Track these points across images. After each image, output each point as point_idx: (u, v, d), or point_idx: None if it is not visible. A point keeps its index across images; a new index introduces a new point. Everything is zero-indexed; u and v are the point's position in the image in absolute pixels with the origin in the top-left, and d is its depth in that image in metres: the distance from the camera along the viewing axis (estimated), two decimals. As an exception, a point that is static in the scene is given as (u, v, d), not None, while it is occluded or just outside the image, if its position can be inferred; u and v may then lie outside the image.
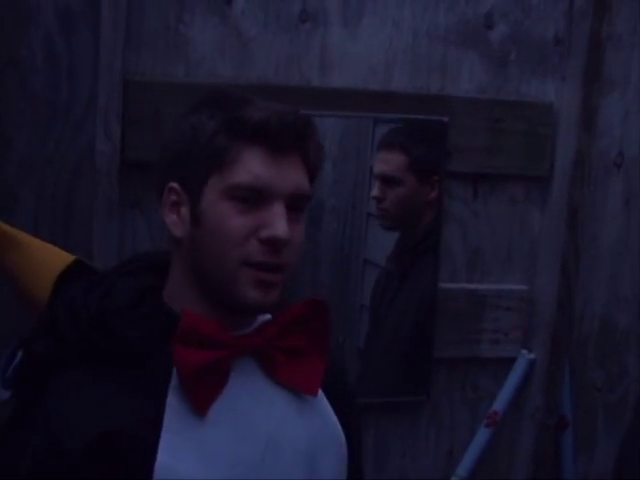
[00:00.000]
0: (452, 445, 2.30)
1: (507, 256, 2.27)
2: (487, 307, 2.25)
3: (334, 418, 1.37)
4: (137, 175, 1.98)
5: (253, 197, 1.22)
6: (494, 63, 2.19)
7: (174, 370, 1.23)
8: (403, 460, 2.27)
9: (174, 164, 1.28)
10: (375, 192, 2.18)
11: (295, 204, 1.26)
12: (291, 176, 1.25)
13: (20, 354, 1.33)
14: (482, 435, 2.26)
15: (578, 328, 2.33)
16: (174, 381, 1.23)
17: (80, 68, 1.94)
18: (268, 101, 1.29)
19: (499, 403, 2.26)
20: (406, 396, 2.25)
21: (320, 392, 1.35)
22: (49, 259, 1.45)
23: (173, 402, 1.23)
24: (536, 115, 2.21)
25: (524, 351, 2.28)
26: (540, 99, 2.22)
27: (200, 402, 1.23)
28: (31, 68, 1.92)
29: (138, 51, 1.97)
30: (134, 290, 1.30)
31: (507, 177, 2.23)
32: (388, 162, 2.20)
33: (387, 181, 2.18)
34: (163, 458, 1.20)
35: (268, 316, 1.33)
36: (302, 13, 2.05)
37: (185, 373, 1.22)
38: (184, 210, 1.27)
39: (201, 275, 1.26)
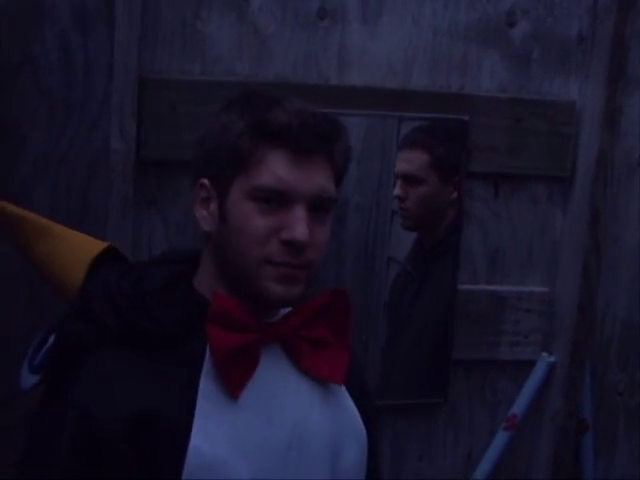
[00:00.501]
0: (470, 448, 2.27)
1: (528, 257, 2.23)
2: (507, 309, 2.22)
3: (356, 411, 1.40)
4: (153, 173, 1.97)
5: (275, 199, 1.25)
6: (515, 61, 2.15)
7: (207, 354, 1.26)
8: (420, 463, 2.25)
9: (205, 161, 1.32)
10: (397, 191, 2.15)
11: (319, 206, 1.29)
12: (315, 179, 1.27)
13: (52, 339, 1.35)
14: (501, 438, 2.23)
15: (600, 331, 2.30)
16: (207, 365, 1.26)
17: (95, 66, 1.92)
18: (300, 102, 1.31)
19: (518, 406, 2.23)
20: (424, 398, 2.23)
21: (343, 387, 1.38)
22: (82, 246, 1.48)
23: (206, 385, 1.25)
24: (558, 114, 2.17)
25: (544, 354, 2.24)
26: (562, 98, 2.18)
27: (233, 385, 1.26)
28: (46, 66, 1.90)
29: (154, 48, 1.95)
30: (167, 275, 1.33)
31: (528, 177, 2.19)
32: (410, 161, 2.16)
33: (409, 180, 2.15)
34: (196, 441, 1.22)
35: (290, 308, 1.35)
36: (320, 10, 2.02)
37: (218, 354, 1.25)
38: (213, 206, 1.30)
39: (226, 268, 1.30)
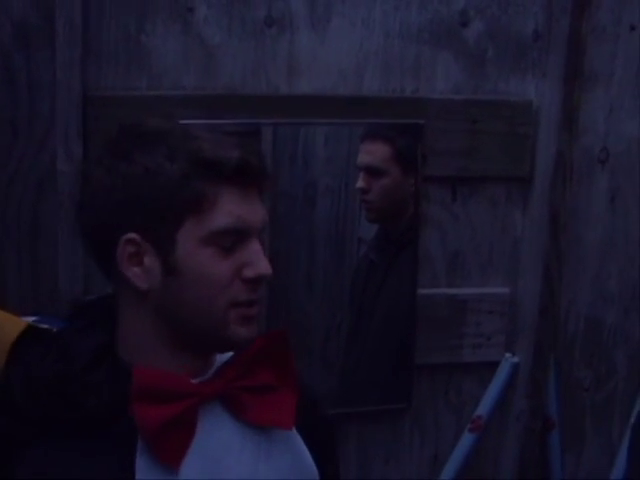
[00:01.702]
0: (437, 450, 2.27)
1: (488, 259, 2.21)
2: (468, 311, 2.20)
3: (307, 456, 1.33)
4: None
5: (234, 238, 1.19)
6: (470, 62, 2.11)
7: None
8: (386, 467, 2.24)
9: (124, 213, 1.19)
10: (360, 183, 2.13)
11: (260, 236, 1.24)
12: (259, 210, 1.23)
13: None
14: (466, 440, 2.23)
15: (564, 329, 2.28)
16: (141, 441, 1.19)
17: (39, 84, 1.89)
18: (203, 131, 1.24)
19: (483, 408, 2.22)
20: (388, 404, 2.22)
21: (293, 430, 1.31)
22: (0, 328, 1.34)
23: (142, 464, 1.19)
24: (515, 114, 2.14)
25: (507, 355, 2.23)
26: (519, 98, 2.14)
27: (170, 459, 1.20)
28: (-11, 86, 1.87)
29: (98, 65, 1.92)
30: (89, 351, 1.22)
31: (487, 179, 2.16)
32: (372, 153, 2.14)
33: (371, 172, 2.13)
34: None
35: (228, 355, 1.28)
36: (267, 18, 1.98)
37: (149, 432, 1.17)
38: (149, 260, 1.19)
39: (177, 323, 1.21)
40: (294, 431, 1.32)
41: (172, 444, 1.20)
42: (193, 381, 1.24)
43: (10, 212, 1.91)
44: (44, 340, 1.28)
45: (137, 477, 1.18)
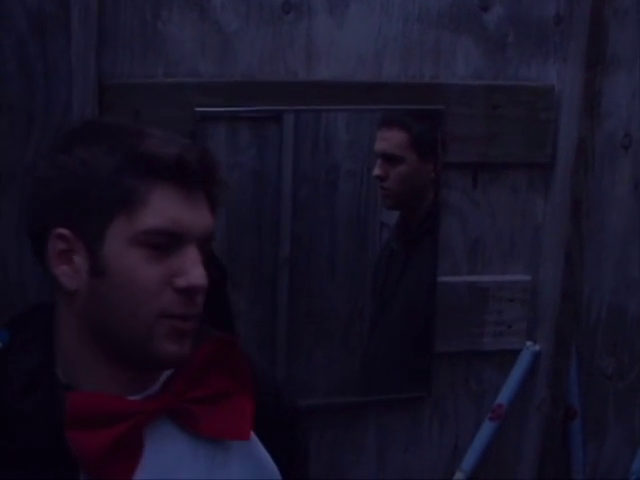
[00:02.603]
0: (457, 439, 2.25)
1: (509, 246, 2.18)
2: (489, 299, 2.17)
3: (268, 461, 1.27)
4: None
5: (166, 242, 1.11)
6: (491, 47, 2.07)
7: None
8: (406, 455, 2.23)
9: (59, 207, 1.13)
10: (377, 171, 2.10)
11: (203, 245, 1.15)
12: (202, 216, 1.14)
13: None
14: (486, 429, 2.21)
15: (586, 317, 2.25)
16: (83, 472, 1.11)
17: (55, 73, 1.86)
18: (160, 130, 1.17)
19: (504, 396, 2.20)
20: (406, 393, 2.20)
21: (253, 435, 1.24)
22: None
23: None
24: (537, 100, 2.10)
25: (529, 343, 2.21)
26: (541, 83, 2.11)
27: None
28: (4, 74, 1.85)
29: (114, 52, 1.89)
30: (24, 374, 1.14)
31: (508, 165, 2.13)
32: (388, 140, 2.11)
33: (388, 159, 2.10)
34: None
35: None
36: (285, 3, 1.95)
37: (88, 460, 1.09)
38: (78, 259, 1.12)
39: (103, 332, 1.13)
40: (253, 435, 1.25)
41: (117, 468, 1.12)
42: (136, 398, 1.17)
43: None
44: None
45: None
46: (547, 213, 2.17)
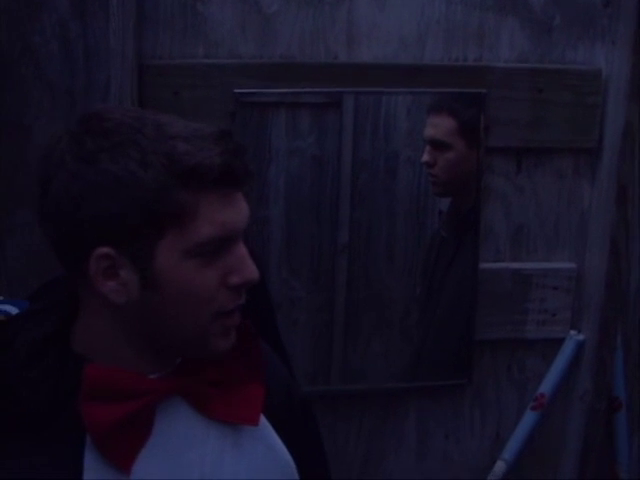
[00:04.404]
0: (498, 427, 2.22)
1: (554, 233, 2.14)
2: (533, 287, 2.14)
3: (280, 446, 1.26)
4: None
5: (217, 247, 1.09)
6: (536, 29, 2.03)
7: None
8: (447, 442, 2.21)
9: (98, 227, 1.05)
10: (425, 157, 2.09)
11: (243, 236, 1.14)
12: (243, 211, 1.11)
13: None
14: (529, 418, 2.18)
15: (632, 306, 2.20)
16: (89, 438, 1.09)
17: (96, 53, 1.89)
18: (176, 118, 1.10)
19: (546, 386, 2.17)
20: (448, 380, 2.17)
21: (262, 418, 1.23)
22: None
23: (91, 461, 1.09)
24: (583, 84, 2.06)
25: (573, 332, 2.17)
26: (588, 66, 2.06)
27: (120, 459, 1.11)
28: (46, 55, 1.87)
29: (154, 33, 1.90)
30: (33, 342, 1.12)
31: (553, 150, 2.09)
32: (437, 126, 2.09)
33: (437, 146, 2.08)
34: None
35: None
36: (327, -15, 1.95)
37: (97, 431, 1.08)
38: (125, 274, 1.08)
39: (155, 336, 1.12)
40: (265, 421, 1.24)
41: (124, 443, 1.10)
42: (152, 376, 1.15)
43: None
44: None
45: (85, 477, 1.09)
46: (593, 199, 2.13)
